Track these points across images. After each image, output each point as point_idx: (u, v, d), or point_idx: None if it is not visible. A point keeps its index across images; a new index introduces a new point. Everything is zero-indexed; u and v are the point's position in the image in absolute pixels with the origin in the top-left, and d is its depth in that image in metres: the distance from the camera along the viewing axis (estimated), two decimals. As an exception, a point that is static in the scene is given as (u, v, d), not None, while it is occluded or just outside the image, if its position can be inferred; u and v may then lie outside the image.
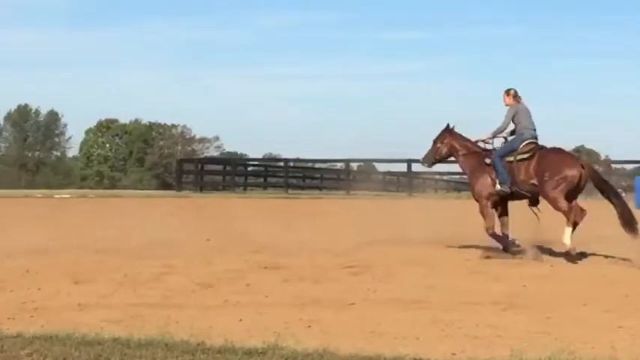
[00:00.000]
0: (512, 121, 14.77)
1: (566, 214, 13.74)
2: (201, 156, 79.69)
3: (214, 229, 16.51)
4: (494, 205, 14.51)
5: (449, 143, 15.30)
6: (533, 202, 14.34)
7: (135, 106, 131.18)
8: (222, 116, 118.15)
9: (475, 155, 15.08)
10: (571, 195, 14.05)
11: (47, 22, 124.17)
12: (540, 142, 14.63)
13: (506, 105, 14.98)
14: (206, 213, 24.34)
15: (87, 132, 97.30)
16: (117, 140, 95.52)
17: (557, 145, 14.86)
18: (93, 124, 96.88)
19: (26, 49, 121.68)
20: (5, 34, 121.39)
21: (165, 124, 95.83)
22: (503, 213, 14.64)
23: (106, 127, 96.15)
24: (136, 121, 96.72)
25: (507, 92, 15.03)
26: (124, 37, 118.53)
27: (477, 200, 14.72)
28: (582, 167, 14.21)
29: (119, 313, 8.55)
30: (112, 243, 14.93)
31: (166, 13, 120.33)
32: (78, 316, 8.35)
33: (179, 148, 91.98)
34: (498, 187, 14.41)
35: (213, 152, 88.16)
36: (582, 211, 13.88)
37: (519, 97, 15.01)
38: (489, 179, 14.59)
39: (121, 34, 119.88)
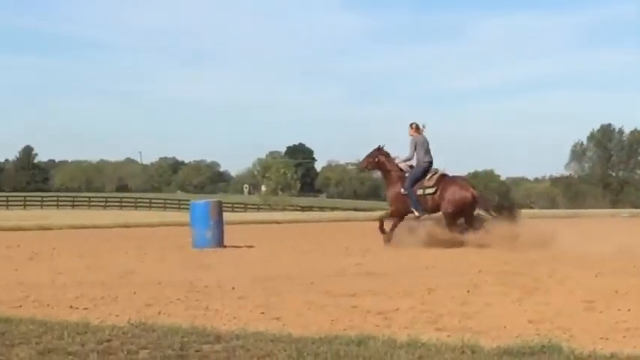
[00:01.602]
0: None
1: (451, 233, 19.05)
2: None
3: None
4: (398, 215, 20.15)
5: (379, 160, 20.53)
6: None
7: None
8: None
9: (398, 178, 20.14)
10: (462, 214, 19.56)
11: (626, 44, 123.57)
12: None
13: (410, 136, 19.78)
14: None
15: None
16: None
17: (457, 174, 21.03)
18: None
19: (608, 70, 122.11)
20: (584, 57, 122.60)
21: None
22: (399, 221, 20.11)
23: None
24: None
25: (410, 125, 19.76)
26: None
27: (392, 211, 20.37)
28: (473, 194, 19.55)
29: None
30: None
31: None
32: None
33: None
34: (417, 214, 19.77)
35: None
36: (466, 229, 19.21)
37: (420, 129, 19.79)
38: (406, 204, 19.83)
39: None
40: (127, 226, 35.72)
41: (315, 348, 7.23)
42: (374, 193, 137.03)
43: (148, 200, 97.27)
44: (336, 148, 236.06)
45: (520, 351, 7.17)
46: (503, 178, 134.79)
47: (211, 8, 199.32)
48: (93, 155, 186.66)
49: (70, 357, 6.82)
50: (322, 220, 40.54)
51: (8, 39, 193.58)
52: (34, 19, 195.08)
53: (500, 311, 9.77)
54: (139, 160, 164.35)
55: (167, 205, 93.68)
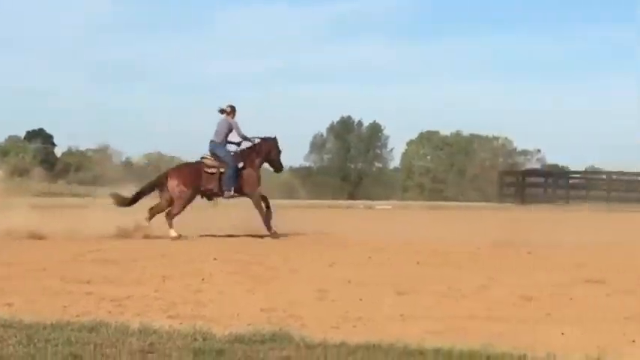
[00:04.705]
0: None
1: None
2: (523, 168, 79.30)
3: (535, 242, 16.40)
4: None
5: None
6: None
7: (456, 118, 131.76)
8: (544, 128, 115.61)
9: None
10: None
11: (369, 37, 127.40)
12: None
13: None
14: (527, 225, 24.20)
15: (408, 144, 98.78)
16: (438, 152, 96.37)
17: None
18: (414, 135, 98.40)
19: (349, 63, 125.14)
20: (329, 49, 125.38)
21: (486, 135, 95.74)
22: None
23: (427, 138, 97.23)
24: (457, 132, 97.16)
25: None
26: (444, 50, 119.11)
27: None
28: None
29: (441, 324, 8.54)
30: (435, 252, 15.15)
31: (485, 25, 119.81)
32: (400, 327, 8.38)
33: (500, 160, 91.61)
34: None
35: (534, 165, 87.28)
36: None
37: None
38: None
39: (441, 47, 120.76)
40: None
41: (46, 334, 7.13)
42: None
43: None
44: (79, 135, 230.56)
45: (252, 339, 7.31)
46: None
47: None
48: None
49: None
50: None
51: None
52: None
53: (233, 300, 9.90)
54: None
55: None
